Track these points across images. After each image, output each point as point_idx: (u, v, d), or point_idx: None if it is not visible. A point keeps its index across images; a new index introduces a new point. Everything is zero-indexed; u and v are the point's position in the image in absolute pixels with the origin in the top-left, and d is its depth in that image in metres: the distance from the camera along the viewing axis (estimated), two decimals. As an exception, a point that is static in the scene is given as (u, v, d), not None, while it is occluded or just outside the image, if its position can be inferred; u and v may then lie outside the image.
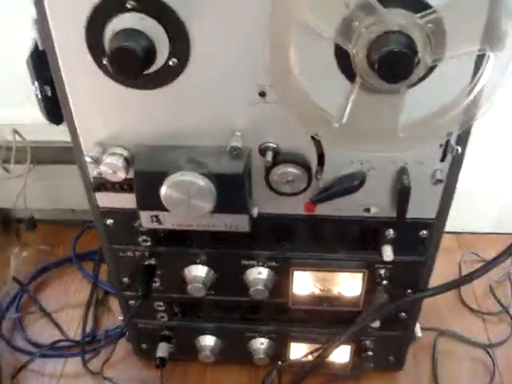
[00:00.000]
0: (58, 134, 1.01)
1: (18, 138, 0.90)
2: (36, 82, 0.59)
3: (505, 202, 1.05)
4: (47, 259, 1.05)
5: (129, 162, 0.59)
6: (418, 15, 0.47)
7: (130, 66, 0.48)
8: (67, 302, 0.99)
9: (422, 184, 0.60)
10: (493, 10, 0.47)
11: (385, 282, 0.69)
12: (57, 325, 0.95)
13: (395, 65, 0.46)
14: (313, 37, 0.49)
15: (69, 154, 1.04)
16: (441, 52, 0.49)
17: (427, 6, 0.46)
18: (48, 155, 1.02)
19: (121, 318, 0.82)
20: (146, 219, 0.61)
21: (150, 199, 0.59)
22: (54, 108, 0.60)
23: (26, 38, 0.88)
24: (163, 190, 0.57)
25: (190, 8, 0.49)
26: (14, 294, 0.98)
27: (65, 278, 1.03)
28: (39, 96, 0.60)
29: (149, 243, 0.69)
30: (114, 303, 0.98)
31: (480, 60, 0.50)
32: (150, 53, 0.50)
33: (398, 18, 0.47)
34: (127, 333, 0.85)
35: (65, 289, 1.01)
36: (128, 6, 0.49)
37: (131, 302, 0.77)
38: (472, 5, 0.47)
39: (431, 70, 0.50)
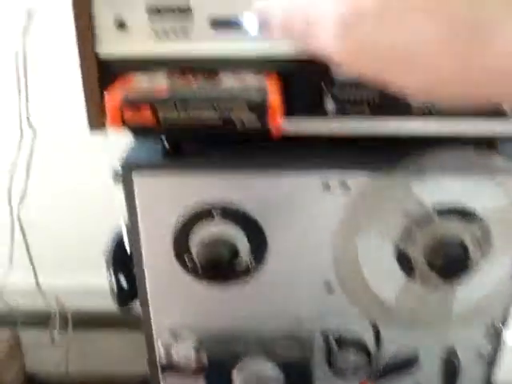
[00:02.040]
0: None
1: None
2: (111, 270, 0.64)
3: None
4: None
5: (199, 349, 0.63)
6: (468, 223, 0.55)
7: (219, 270, 0.55)
8: None
9: (468, 358, 0.64)
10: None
11: None
12: None
13: (453, 268, 0.54)
14: (376, 240, 0.56)
15: (98, 323, 1.08)
16: (487, 252, 0.56)
17: (475, 217, 0.55)
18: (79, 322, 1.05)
19: None
20: (213, 402, 0.64)
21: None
22: (125, 294, 0.65)
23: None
24: (234, 375, 0.60)
25: (270, 218, 0.56)
26: None
27: None
28: (113, 283, 0.65)
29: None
30: None
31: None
32: (234, 257, 0.56)
33: (452, 226, 0.55)
34: None
35: None
36: (214, 213, 0.56)
37: None
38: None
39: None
